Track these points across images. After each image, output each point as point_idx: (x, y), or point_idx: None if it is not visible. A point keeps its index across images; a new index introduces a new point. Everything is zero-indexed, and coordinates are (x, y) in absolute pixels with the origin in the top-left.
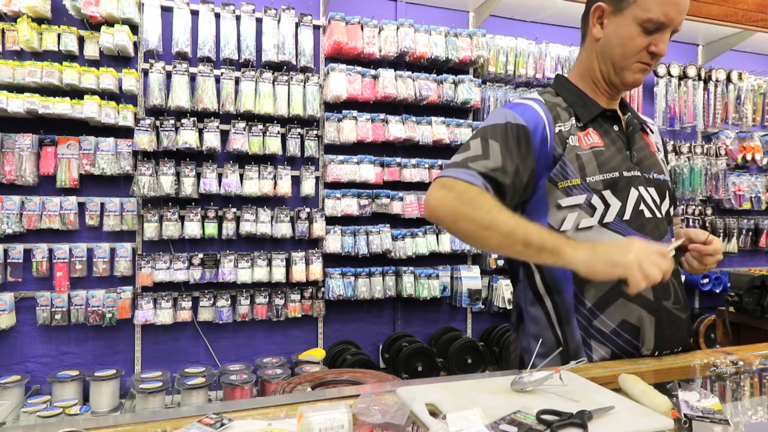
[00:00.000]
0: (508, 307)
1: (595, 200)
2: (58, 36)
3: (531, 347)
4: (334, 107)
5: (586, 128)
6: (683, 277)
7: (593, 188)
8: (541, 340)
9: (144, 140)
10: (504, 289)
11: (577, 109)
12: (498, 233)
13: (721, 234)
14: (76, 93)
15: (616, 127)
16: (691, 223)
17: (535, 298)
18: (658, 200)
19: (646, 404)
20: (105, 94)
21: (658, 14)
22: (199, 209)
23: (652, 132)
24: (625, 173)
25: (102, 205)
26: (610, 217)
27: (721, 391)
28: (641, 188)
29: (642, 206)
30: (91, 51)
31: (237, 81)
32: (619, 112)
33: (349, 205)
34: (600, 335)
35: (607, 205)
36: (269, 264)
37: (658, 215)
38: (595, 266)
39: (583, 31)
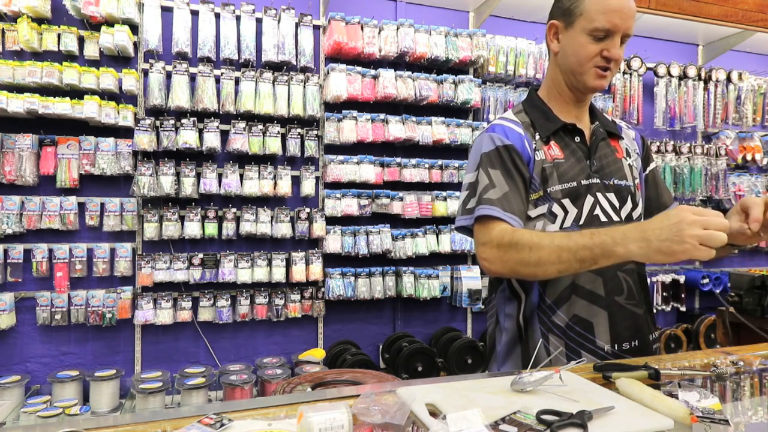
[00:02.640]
0: None
1: (556, 208)
2: (58, 36)
3: (501, 345)
4: (334, 107)
5: (548, 142)
6: (682, 278)
7: (554, 198)
8: (507, 335)
9: (144, 140)
10: None
11: (538, 125)
12: (550, 264)
13: None
14: (76, 93)
15: (577, 139)
16: None
17: (512, 294)
18: (617, 205)
19: (662, 410)
20: (105, 94)
21: (603, 22)
22: (199, 209)
23: (623, 138)
24: (583, 182)
25: (102, 205)
26: (567, 223)
27: (721, 391)
28: (599, 195)
29: (597, 211)
30: (91, 51)
31: (237, 81)
32: (584, 123)
33: (349, 205)
34: (557, 329)
35: (566, 212)
36: (269, 264)
37: (616, 219)
38: (653, 257)
39: (548, 49)
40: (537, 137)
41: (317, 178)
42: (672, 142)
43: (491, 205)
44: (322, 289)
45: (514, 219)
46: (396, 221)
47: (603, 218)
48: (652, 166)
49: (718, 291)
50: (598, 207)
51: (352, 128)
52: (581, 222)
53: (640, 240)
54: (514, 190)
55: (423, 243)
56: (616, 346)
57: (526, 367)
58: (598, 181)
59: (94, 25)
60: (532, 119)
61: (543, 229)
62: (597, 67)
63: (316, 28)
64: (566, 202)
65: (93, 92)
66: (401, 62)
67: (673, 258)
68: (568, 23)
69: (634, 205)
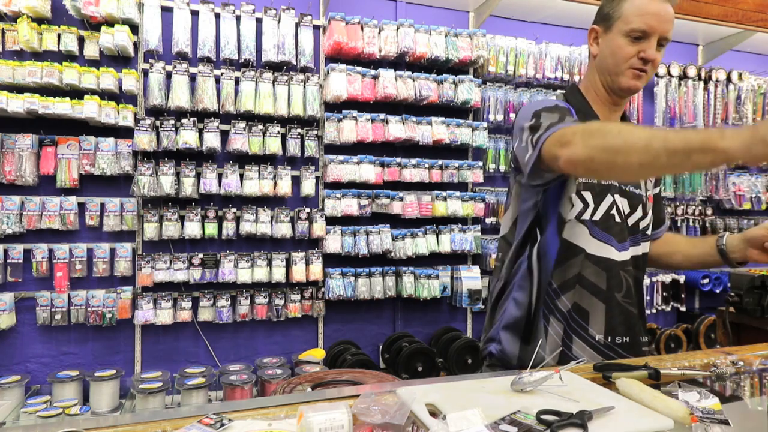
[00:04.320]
0: None
1: (574, 198)
2: (58, 36)
3: (507, 311)
4: (334, 107)
5: None
6: (682, 278)
7: (576, 188)
8: (516, 307)
9: (144, 140)
10: None
11: (580, 114)
12: (636, 151)
13: None
14: (76, 93)
15: None
16: (691, 224)
17: (528, 270)
18: (627, 210)
19: (662, 410)
20: (105, 94)
21: (639, 24)
22: (199, 209)
23: None
24: (603, 181)
25: (102, 205)
26: (586, 215)
27: (721, 391)
28: (616, 196)
29: (614, 211)
30: (91, 51)
31: (237, 81)
32: None
33: (349, 205)
34: (558, 313)
35: (585, 204)
36: (269, 264)
37: (624, 222)
38: (755, 149)
39: (588, 53)
40: None
41: (317, 178)
42: None
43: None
44: (322, 289)
45: None
46: (396, 221)
47: (617, 219)
48: (658, 189)
49: (718, 291)
50: (615, 208)
51: (352, 128)
52: (595, 217)
53: (745, 134)
54: None
55: (423, 243)
56: (609, 338)
57: (525, 342)
58: (616, 184)
59: (94, 25)
60: (575, 107)
61: (565, 214)
62: (633, 68)
63: (316, 28)
64: (586, 194)
65: (93, 92)
66: (401, 62)
67: None
68: (607, 27)
69: (644, 215)
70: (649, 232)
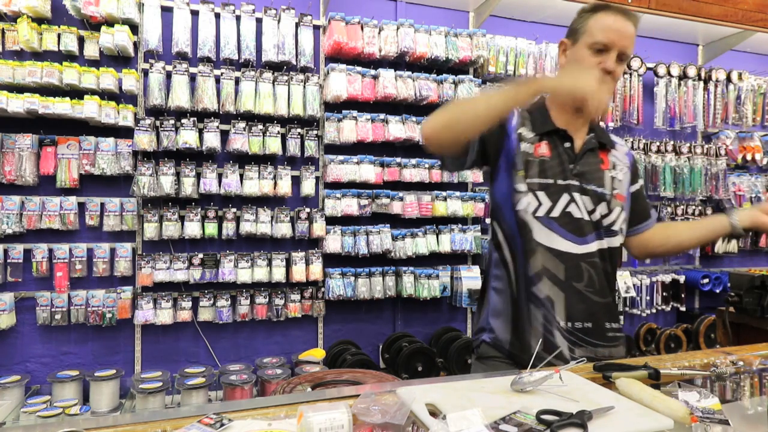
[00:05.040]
0: None
1: (530, 197)
2: (58, 36)
3: (492, 303)
4: (334, 107)
5: (541, 141)
6: (682, 278)
7: (531, 187)
8: (498, 296)
9: (144, 140)
10: None
11: (534, 123)
12: (470, 102)
13: None
14: (76, 93)
15: (567, 144)
16: None
17: (502, 261)
18: (590, 207)
19: (662, 410)
20: (105, 94)
21: (601, 38)
22: (199, 209)
23: (616, 151)
24: (560, 182)
25: (102, 205)
26: (541, 212)
27: (721, 391)
28: (575, 194)
29: (571, 208)
30: (91, 51)
31: (237, 81)
32: (579, 132)
33: (349, 205)
34: (538, 301)
35: (539, 203)
36: (269, 264)
37: (586, 218)
38: (563, 82)
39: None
40: (528, 130)
41: (317, 178)
42: (672, 142)
43: None
44: (322, 289)
45: None
46: (396, 221)
47: (577, 215)
48: (637, 186)
49: (718, 291)
50: (573, 205)
51: (352, 128)
52: (553, 214)
53: (557, 76)
54: None
55: (423, 243)
56: (569, 323)
57: (515, 328)
58: (577, 183)
59: (94, 25)
60: (531, 115)
61: (526, 208)
62: None
63: (316, 28)
64: (541, 194)
65: (93, 92)
66: (401, 62)
67: (574, 85)
68: (575, 40)
69: (609, 211)
70: (615, 227)
